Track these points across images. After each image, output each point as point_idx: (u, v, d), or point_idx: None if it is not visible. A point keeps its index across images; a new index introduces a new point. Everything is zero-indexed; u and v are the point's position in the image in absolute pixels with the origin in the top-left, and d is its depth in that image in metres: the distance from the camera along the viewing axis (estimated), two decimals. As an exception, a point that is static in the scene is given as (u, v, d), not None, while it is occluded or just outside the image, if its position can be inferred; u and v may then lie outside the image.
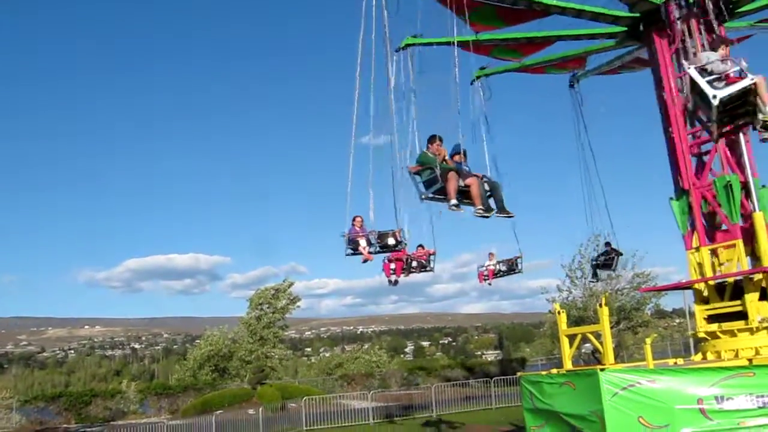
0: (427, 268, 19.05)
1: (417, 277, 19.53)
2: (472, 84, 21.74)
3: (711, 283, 16.47)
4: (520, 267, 20.81)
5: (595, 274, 24.66)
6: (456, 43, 17.72)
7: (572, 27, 19.33)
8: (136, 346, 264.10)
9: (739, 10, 17.94)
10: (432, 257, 18.95)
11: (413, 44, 18.61)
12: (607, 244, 22.95)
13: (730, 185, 15.98)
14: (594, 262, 23.79)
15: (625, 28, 18.61)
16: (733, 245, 16.15)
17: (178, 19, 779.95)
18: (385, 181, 16.12)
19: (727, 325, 15.81)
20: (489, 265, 21.32)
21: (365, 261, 17.40)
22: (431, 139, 13.90)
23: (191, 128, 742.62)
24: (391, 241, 17.20)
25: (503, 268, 20.97)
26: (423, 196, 13.47)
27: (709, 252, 16.80)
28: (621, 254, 22.84)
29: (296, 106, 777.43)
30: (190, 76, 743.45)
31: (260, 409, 27.17)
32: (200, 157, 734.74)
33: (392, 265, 19.08)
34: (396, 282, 19.07)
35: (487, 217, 13.44)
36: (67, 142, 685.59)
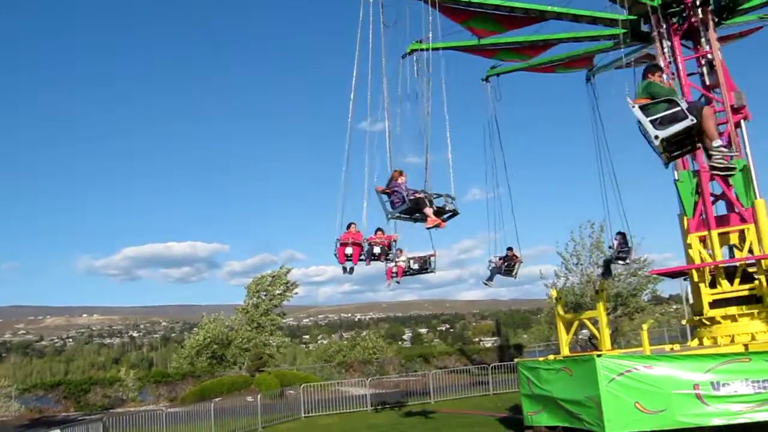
0: (389, 257, 16.89)
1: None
2: (483, 82, 22.07)
3: (722, 266, 16.57)
4: (432, 266, 19.22)
5: (506, 273, 22.15)
6: (458, 48, 18.15)
7: (573, 29, 19.46)
8: (135, 334, 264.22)
9: (741, 7, 18.23)
10: (393, 243, 16.80)
11: (419, 49, 18.66)
12: (509, 249, 21.79)
13: (747, 169, 16.15)
14: (492, 266, 21.94)
15: (624, 30, 18.78)
16: (745, 229, 16.51)
17: (172, 8, 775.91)
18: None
19: (747, 308, 16.01)
20: (399, 262, 19.11)
21: (434, 227, 15.09)
22: (652, 69, 10.69)
23: (187, 116, 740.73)
24: (450, 206, 15.32)
25: (415, 266, 19.25)
26: (657, 138, 10.10)
27: (703, 237, 16.96)
28: (521, 261, 21.72)
29: (296, 92, 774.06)
30: (186, 66, 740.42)
31: (258, 396, 27.20)
32: (198, 145, 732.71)
33: (348, 250, 16.48)
34: (351, 270, 16.88)
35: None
36: (66, 130, 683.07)
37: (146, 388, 41.02)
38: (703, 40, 17.63)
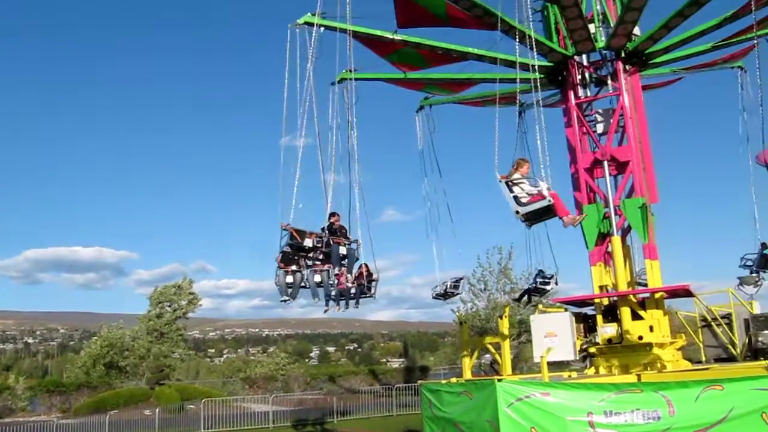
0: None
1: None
2: (417, 112, 22.26)
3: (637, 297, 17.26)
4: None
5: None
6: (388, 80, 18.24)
7: (497, 69, 19.85)
8: (30, 340, 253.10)
9: (654, 60, 19.20)
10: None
11: (348, 78, 18.61)
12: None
13: (645, 207, 17.28)
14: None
15: (541, 75, 19.43)
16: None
17: (101, 10, 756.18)
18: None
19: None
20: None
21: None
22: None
23: (103, 121, 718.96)
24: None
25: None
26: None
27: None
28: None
29: (213, 103, 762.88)
30: (103, 70, 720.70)
31: (157, 409, 26.58)
32: (112, 151, 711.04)
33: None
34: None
35: None
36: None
37: (38, 397, 39.44)
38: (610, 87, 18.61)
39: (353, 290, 16.44)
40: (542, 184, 12.65)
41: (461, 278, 21.74)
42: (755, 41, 15.06)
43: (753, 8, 14.97)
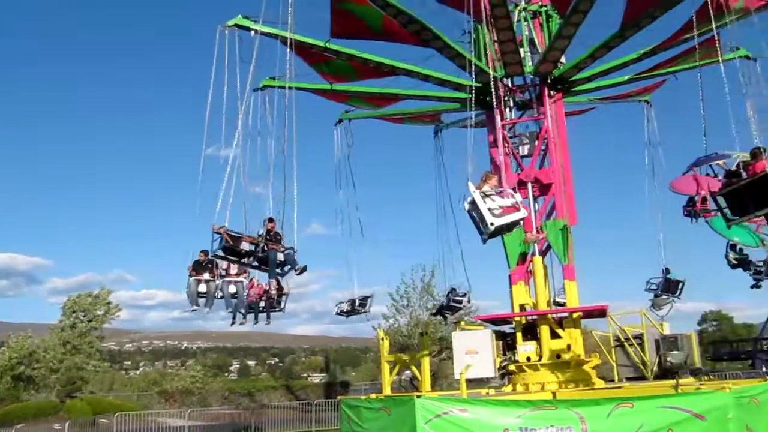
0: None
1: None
2: (336, 126, 22.41)
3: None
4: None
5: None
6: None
7: (423, 86, 20.12)
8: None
9: (576, 88, 19.91)
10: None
11: (270, 86, 18.39)
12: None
13: (567, 228, 17.70)
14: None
15: (469, 95, 19.82)
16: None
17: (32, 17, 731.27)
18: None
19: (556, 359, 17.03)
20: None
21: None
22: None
23: (16, 126, 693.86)
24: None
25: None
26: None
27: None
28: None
29: (135, 107, 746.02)
30: (31, 75, 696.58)
31: (67, 423, 25.69)
32: (29, 156, 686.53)
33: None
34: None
35: None
36: None
37: (-65, 412, 37.49)
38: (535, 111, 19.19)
39: (262, 304, 16.51)
40: (517, 197, 12.69)
41: (369, 296, 21.91)
42: (698, 74, 15.28)
43: (695, 33, 15.30)
